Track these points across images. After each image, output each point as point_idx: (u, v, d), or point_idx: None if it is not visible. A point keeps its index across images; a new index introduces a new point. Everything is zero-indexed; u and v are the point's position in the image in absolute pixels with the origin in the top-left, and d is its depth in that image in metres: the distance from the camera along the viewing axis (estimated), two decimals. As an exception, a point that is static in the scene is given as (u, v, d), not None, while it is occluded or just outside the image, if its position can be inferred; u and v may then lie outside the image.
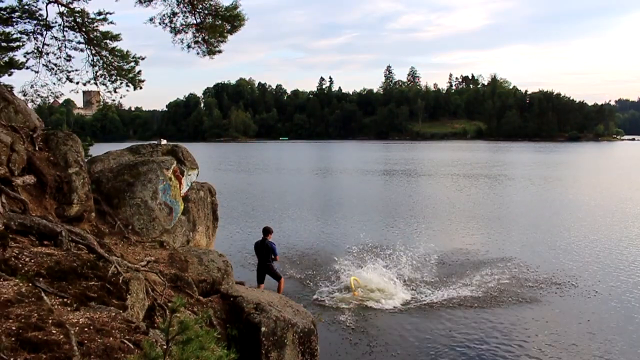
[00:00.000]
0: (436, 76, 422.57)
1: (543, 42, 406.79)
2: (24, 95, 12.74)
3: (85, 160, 10.48)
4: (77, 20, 11.84)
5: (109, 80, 12.55)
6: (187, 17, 11.64)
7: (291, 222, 26.63)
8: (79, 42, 12.26)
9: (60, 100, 16.16)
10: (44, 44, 12.24)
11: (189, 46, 12.01)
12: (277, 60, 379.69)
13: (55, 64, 12.48)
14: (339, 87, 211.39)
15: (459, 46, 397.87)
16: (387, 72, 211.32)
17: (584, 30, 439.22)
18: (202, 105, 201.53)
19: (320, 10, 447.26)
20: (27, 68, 12.45)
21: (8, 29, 11.97)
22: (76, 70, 12.58)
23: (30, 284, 4.94)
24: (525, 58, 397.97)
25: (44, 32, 12.11)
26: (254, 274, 14.42)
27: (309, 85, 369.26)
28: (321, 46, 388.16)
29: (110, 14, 11.91)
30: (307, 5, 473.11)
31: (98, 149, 14.96)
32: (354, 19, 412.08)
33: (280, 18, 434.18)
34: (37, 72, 12.49)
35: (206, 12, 11.51)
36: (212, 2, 11.41)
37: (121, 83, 12.61)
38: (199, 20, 11.64)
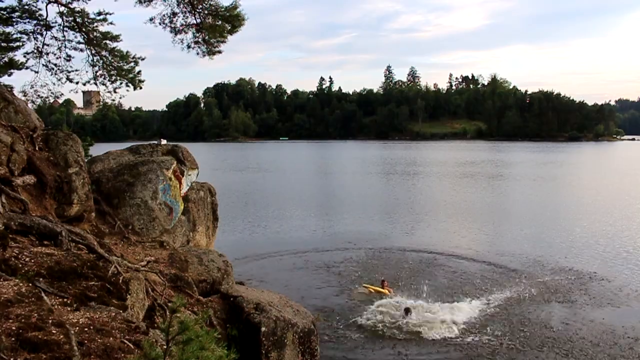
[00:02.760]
0: (436, 76, 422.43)
1: (543, 42, 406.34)
2: (24, 95, 12.72)
3: (85, 160, 10.47)
4: (77, 20, 11.83)
5: (108, 81, 12.53)
6: (187, 17, 11.63)
7: (291, 221, 26.63)
8: (79, 42, 12.25)
9: (60, 100, 16.15)
10: (44, 44, 12.23)
11: (189, 46, 12.00)
12: (277, 60, 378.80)
13: (55, 64, 12.47)
14: (339, 87, 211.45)
15: (458, 46, 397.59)
16: (387, 72, 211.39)
17: (584, 30, 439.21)
18: (202, 105, 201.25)
19: (320, 10, 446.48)
20: (27, 68, 12.43)
21: (8, 29, 11.96)
22: (76, 70, 12.57)
23: (30, 284, 4.94)
24: (525, 58, 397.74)
25: (44, 32, 12.09)
26: (254, 273, 14.47)
27: (308, 86, 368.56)
28: (320, 46, 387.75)
29: (110, 14, 11.90)
30: (307, 5, 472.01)
31: (98, 149, 14.98)
32: (353, 19, 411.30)
33: (281, 18, 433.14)
34: (37, 72, 12.48)
35: (206, 12, 11.50)
36: (212, 2, 11.40)
37: (121, 83, 12.59)
38: (199, 21, 11.62)
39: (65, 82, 12.70)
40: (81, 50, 12.31)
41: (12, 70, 12.47)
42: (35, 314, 4.25)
